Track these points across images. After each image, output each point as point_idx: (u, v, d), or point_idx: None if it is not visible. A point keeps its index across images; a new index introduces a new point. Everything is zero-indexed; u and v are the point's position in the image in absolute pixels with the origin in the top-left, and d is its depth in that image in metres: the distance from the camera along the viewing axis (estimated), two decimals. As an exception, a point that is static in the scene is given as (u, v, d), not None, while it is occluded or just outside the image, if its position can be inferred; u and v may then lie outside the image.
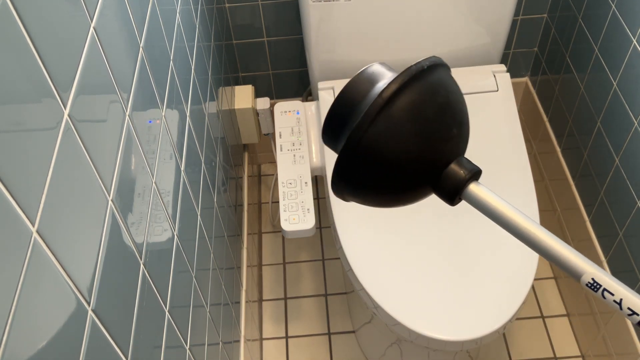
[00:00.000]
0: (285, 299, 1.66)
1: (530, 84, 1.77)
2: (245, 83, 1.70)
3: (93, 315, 0.48)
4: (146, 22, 0.72)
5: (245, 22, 1.56)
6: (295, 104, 1.43)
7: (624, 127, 1.25)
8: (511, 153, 1.28)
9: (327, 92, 1.39)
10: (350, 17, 1.32)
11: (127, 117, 0.60)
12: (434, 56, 0.46)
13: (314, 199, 1.79)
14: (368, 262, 1.15)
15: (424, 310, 1.09)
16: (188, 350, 0.78)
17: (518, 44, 1.68)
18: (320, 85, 1.40)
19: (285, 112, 1.42)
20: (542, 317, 1.59)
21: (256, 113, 1.54)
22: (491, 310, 1.08)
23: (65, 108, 0.46)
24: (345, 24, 1.34)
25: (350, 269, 1.15)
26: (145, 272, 0.62)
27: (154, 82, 0.72)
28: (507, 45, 1.68)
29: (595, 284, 0.38)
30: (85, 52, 0.51)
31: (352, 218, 1.21)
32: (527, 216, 0.43)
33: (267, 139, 1.72)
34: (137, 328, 0.58)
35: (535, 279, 1.61)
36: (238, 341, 1.22)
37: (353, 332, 1.58)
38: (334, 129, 0.47)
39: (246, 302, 1.35)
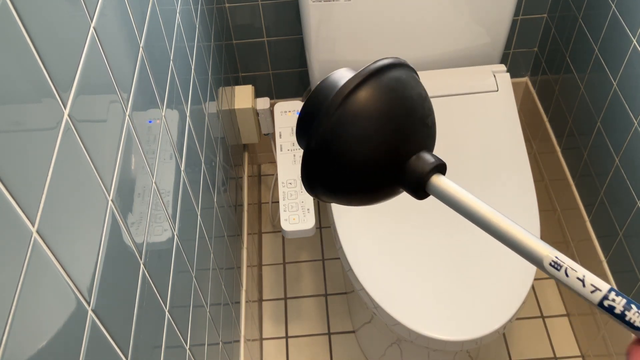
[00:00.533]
0: (285, 299, 1.66)
1: (530, 84, 1.77)
2: (245, 83, 1.70)
3: (93, 315, 0.48)
4: (146, 22, 0.72)
5: (245, 22, 1.56)
6: (295, 104, 1.43)
7: (624, 127, 1.25)
8: (511, 153, 1.28)
9: (327, 92, 1.39)
10: (350, 17, 1.32)
11: (127, 117, 0.60)
12: (395, 57, 0.47)
13: (314, 199, 1.79)
14: (368, 262, 1.15)
15: (424, 310, 1.09)
16: (188, 350, 0.78)
17: (518, 44, 1.68)
18: (320, 85, 1.40)
19: (285, 112, 1.42)
20: (542, 317, 1.59)
21: (256, 113, 1.54)
22: (491, 310, 1.08)
23: (65, 108, 0.46)
24: (345, 24, 1.34)
25: (350, 269, 1.15)
26: (145, 272, 0.62)
27: (154, 82, 0.72)
28: (507, 45, 1.68)
29: (558, 263, 0.38)
30: (85, 52, 0.51)
31: (352, 218, 1.21)
32: (490, 207, 0.43)
33: (267, 139, 1.72)
34: (137, 328, 0.58)
35: (535, 279, 1.61)
36: (238, 341, 1.22)
37: (353, 332, 1.58)
38: (304, 130, 0.48)
39: (246, 302, 1.35)
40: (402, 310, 1.08)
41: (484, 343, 1.08)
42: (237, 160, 1.49)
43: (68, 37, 0.48)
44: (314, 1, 1.29)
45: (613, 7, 1.26)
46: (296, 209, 1.25)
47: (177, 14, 0.91)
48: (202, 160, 0.99)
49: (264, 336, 1.59)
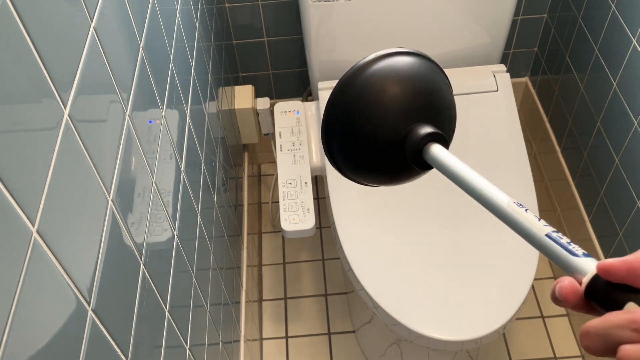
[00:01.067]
0: (285, 299, 1.66)
1: (530, 84, 1.77)
2: (245, 83, 1.70)
3: (93, 315, 0.48)
4: (146, 22, 0.72)
5: (245, 22, 1.56)
6: (295, 104, 1.43)
7: (624, 127, 1.25)
8: (511, 153, 1.28)
9: (327, 92, 1.39)
10: (350, 17, 1.32)
11: (127, 117, 0.60)
12: (416, 49, 0.52)
13: (314, 199, 1.79)
14: (368, 262, 1.15)
15: (424, 310, 1.09)
16: (188, 350, 0.78)
17: (518, 44, 1.68)
18: (320, 85, 1.40)
19: (285, 112, 1.42)
20: (542, 317, 1.59)
21: (256, 113, 1.54)
22: (491, 310, 1.08)
23: (65, 108, 0.46)
24: (345, 24, 1.34)
25: (350, 269, 1.15)
26: (145, 272, 0.62)
27: (154, 82, 0.72)
28: (507, 45, 1.68)
29: (521, 204, 0.42)
30: (85, 52, 0.51)
31: (352, 218, 1.21)
32: (485, 179, 0.45)
33: (267, 139, 1.72)
34: (137, 328, 0.58)
35: (535, 279, 1.61)
36: (238, 341, 1.22)
37: (353, 332, 1.58)
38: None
39: (246, 302, 1.35)
40: (402, 310, 1.08)
41: (484, 343, 1.08)
42: (237, 160, 1.49)
43: (68, 37, 0.48)
44: (314, 1, 1.29)
45: (613, 7, 1.26)
46: (296, 209, 1.25)
47: (177, 14, 0.91)
48: (202, 160, 0.99)
49: (264, 336, 1.59)
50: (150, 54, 0.72)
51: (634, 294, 0.33)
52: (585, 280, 0.35)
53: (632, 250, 1.24)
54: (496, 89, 1.38)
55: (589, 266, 0.36)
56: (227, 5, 1.51)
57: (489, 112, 1.35)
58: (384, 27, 1.36)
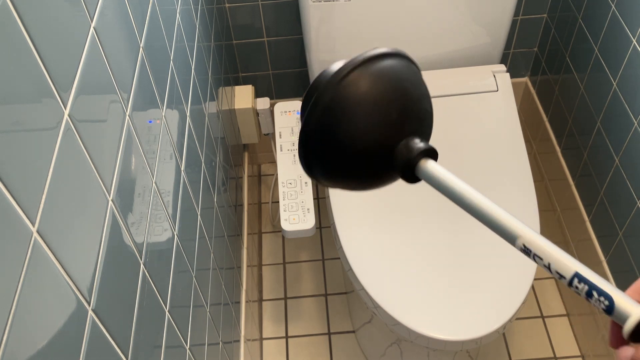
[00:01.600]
0: (285, 299, 1.66)
1: (530, 84, 1.77)
2: (245, 83, 1.70)
3: (93, 315, 0.48)
4: (146, 22, 0.72)
5: (245, 22, 1.56)
6: (295, 104, 1.43)
7: (624, 127, 1.25)
8: (511, 153, 1.28)
9: (327, 92, 1.39)
10: (350, 17, 1.32)
11: (127, 117, 0.60)
12: (394, 48, 0.50)
13: (314, 199, 1.79)
14: (368, 262, 1.15)
15: (424, 310, 1.09)
16: (188, 350, 0.78)
17: (518, 44, 1.68)
18: (320, 85, 1.40)
19: (285, 112, 1.42)
20: (542, 317, 1.59)
21: (256, 113, 1.54)
22: (491, 310, 1.08)
23: (65, 108, 0.46)
24: (345, 24, 1.34)
25: (350, 269, 1.15)
26: (145, 272, 0.62)
27: (154, 82, 0.72)
28: (507, 45, 1.68)
29: (527, 249, 0.40)
30: (85, 52, 0.51)
31: (352, 218, 1.21)
32: (477, 191, 0.44)
33: (267, 139, 1.72)
34: (137, 328, 0.58)
35: (535, 279, 1.61)
36: (238, 341, 1.22)
37: (353, 332, 1.58)
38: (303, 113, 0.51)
39: (246, 302, 1.35)
40: (402, 310, 1.08)
41: (484, 343, 1.08)
42: (237, 160, 1.49)
43: (68, 37, 0.48)
44: (314, 1, 1.29)
45: (613, 7, 1.26)
46: (296, 209, 1.25)
47: (177, 14, 0.91)
48: (202, 160, 0.99)
49: (264, 336, 1.59)
50: (150, 54, 0.72)
51: None
52: (630, 326, 0.36)
53: (632, 250, 1.24)
54: (496, 89, 1.38)
55: (629, 310, 0.37)
56: (227, 5, 1.51)
57: (489, 112, 1.35)
58: (383, 27, 1.36)
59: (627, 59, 1.22)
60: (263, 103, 1.54)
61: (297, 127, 1.39)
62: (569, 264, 0.39)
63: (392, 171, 0.47)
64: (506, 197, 1.22)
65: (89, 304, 0.48)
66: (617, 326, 0.37)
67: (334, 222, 1.21)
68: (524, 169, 1.25)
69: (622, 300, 0.37)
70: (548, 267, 0.39)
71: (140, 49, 0.68)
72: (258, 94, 1.73)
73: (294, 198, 1.27)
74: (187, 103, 0.91)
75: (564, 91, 1.54)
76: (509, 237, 0.41)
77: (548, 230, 1.66)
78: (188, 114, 0.91)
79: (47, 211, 0.41)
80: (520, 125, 1.33)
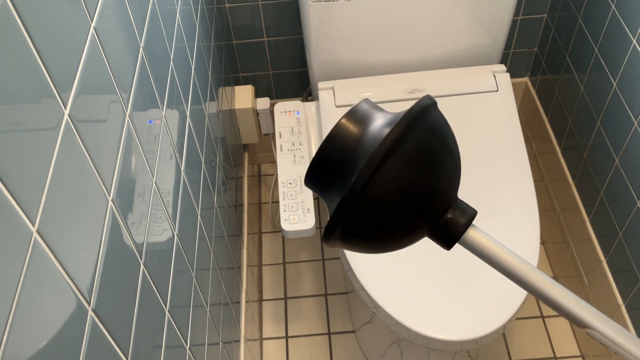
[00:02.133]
0: (285, 299, 1.66)
1: (530, 84, 1.77)
2: (245, 83, 1.70)
3: (93, 315, 0.48)
4: (146, 22, 0.72)
5: (245, 22, 1.56)
6: (295, 104, 1.43)
7: (624, 127, 1.25)
8: (511, 153, 1.28)
9: (327, 92, 1.39)
10: (350, 17, 1.32)
11: (127, 117, 0.60)
12: (425, 96, 0.46)
13: (314, 199, 1.79)
14: (368, 262, 1.15)
15: (424, 310, 1.09)
16: (188, 350, 0.78)
17: (518, 44, 1.68)
18: (320, 85, 1.40)
19: (285, 112, 1.42)
20: (542, 317, 1.59)
21: (256, 113, 1.54)
22: (491, 310, 1.08)
23: (65, 108, 0.46)
24: (345, 24, 1.34)
25: (350, 269, 1.15)
26: (145, 272, 0.62)
27: (154, 82, 0.72)
28: (507, 45, 1.68)
29: (594, 337, 0.40)
30: (85, 52, 0.51)
31: (352, 218, 1.20)
32: (524, 260, 0.43)
33: (267, 139, 1.72)
34: (137, 328, 0.58)
35: (535, 279, 1.61)
36: (238, 341, 1.22)
37: (353, 332, 1.58)
38: (325, 173, 0.46)
39: (246, 302, 1.35)
40: (402, 310, 1.08)
41: (484, 343, 1.08)
42: (237, 160, 1.49)
43: (68, 37, 0.48)
44: (314, 1, 1.29)
45: (613, 7, 1.26)
46: (296, 209, 1.25)
47: (177, 14, 0.91)
48: (202, 160, 0.99)
49: (264, 336, 1.59)
50: (150, 54, 0.72)
51: None
52: None
53: (632, 250, 1.24)
54: (496, 89, 1.38)
55: None
56: (227, 5, 1.51)
57: (489, 112, 1.35)
58: (384, 27, 1.36)
59: (627, 59, 1.22)
60: (263, 103, 1.54)
61: (297, 127, 1.39)
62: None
63: (425, 233, 0.45)
64: (506, 197, 1.22)
65: (89, 304, 0.48)
66: None
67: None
68: (524, 169, 1.25)
69: None
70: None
71: (140, 49, 0.68)
72: (258, 94, 1.73)
73: (294, 198, 1.27)
74: (187, 103, 0.91)
75: (564, 91, 1.54)
76: (575, 320, 0.40)
77: (548, 230, 1.66)
78: (188, 114, 0.91)
79: (47, 211, 0.41)
80: (520, 125, 1.33)
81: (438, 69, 1.43)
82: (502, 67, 1.41)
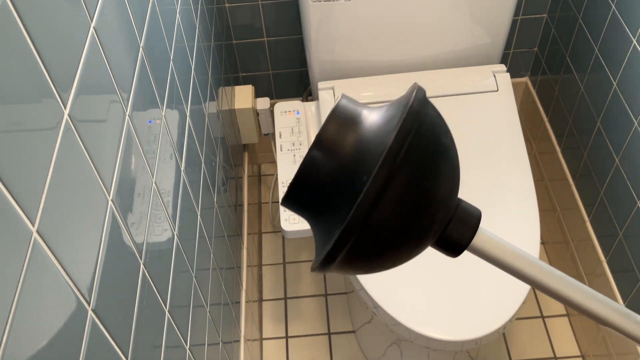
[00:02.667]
0: (285, 299, 1.66)
1: (530, 84, 1.77)
2: (245, 83, 1.70)
3: (93, 315, 0.48)
4: (146, 22, 0.72)
5: (245, 22, 1.56)
6: (295, 104, 1.43)
7: (624, 127, 1.25)
8: (511, 153, 1.28)
9: (327, 92, 1.39)
10: (350, 17, 1.32)
11: (127, 117, 0.60)
12: (416, 87, 0.40)
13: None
14: (368, 262, 1.15)
15: (424, 310, 1.09)
16: (188, 350, 0.78)
17: (518, 44, 1.68)
18: (320, 85, 1.40)
19: (285, 112, 1.42)
20: (542, 317, 1.59)
21: (256, 113, 1.54)
22: (491, 310, 1.08)
23: (65, 108, 0.46)
24: (345, 24, 1.34)
25: (350, 269, 1.14)
26: (145, 272, 0.62)
27: (154, 82, 0.72)
28: (507, 45, 1.68)
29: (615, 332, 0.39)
30: (85, 52, 0.51)
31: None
32: (534, 258, 0.41)
33: (267, 139, 1.72)
34: (137, 328, 0.58)
35: (535, 279, 1.61)
36: (238, 341, 1.22)
37: (353, 332, 1.58)
38: (313, 191, 0.40)
39: (246, 302, 1.35)
40: (402, 310, 1.08)
41: (484, 343, 1.08)
42: (237, 160, 1.49)
43: (68, 38, 0.48)
44: (314, 1, 1.29)
45: (613, 7, 1.26)
46: (296, 209, 1.25)
47: (177, 14, 0.91)
48: (202, 160, 0.99)
49: (264, 336, 1.59)
50: (150, 54, 0.72)
51: None
52: None
53: (632, 250, 1.24)
54: (496, 89, 1.38)
55: None
56: (227, 5, 1.51)
57: (489, 112, 1.35)
58: (384, 27, 1.36)
59: (627, 59, 1.22)
60: (263, 103, 1.54)
61: (297, 127, 1.39)
62: None
63: (429, 244, 0.42)
64: (506, 197, 1.22)
65: (89, 304, 0.48)
66: None
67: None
68: (524, 169, 1.25)
69: None
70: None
71: (140, 49, 0.68)
72: (258, 94, 1.73)
73: (294, 198, 1.27)
74: (187, 103, 0.91)
75: (564, 91, 1.54)
76: (596, 317, 0.39)
77: (548, 230, 1.66)
78: (188, 114, 0.91)
79: (47, 211, 0.41)
80: (520, 125, 1.33)
81: (438, 69, 1.43)
82: (502, 67, 1.41)
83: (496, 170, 1.25)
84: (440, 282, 1.12)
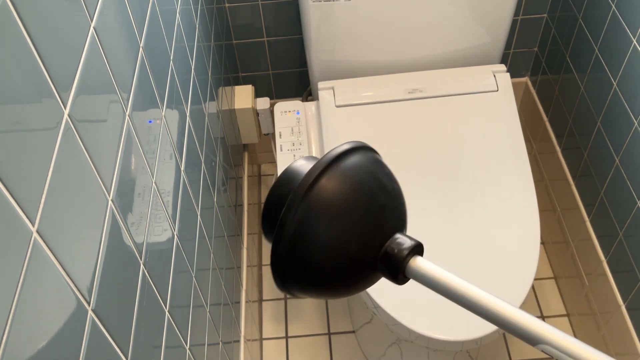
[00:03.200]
0: (285, 298, 1.66)
1: (530, 84, 1.77)
2: (245, 83, 1.70)
3: (93, 315, 0.48)
4: (146, 22, 0.72)
5: (245, 22, 1.56)
6: (295, 104, 1.43)
7: (624, 127, 1.25)
8: (511, 153, 1.28)
9: (327, 92, 1.39)
10: (350, 17, 1.32)
11: (127, 117, 0.60)
12: (352, 142, 0.45)
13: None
14: (368, 262, 1.15)
15: (424, 310, 1.09)
16: (188, 350, 0.78)
17: (518, 44, 1.68)
18: (320, 85, 1.40)
19: (285, 112, 1.42)
20: (542, 317, 1.59)
21: (256, 113, 1.54)
22: (491, 310, 1.08)
23: (65, 108, 0.46)
24: (345, 24, 1.34)
25: (350, 269, 1.14)
26: (145, 272, 0.62)
27: (154, 82, 0.72)
28: (507, 45, 1.68)
29: (546, 351, 0.39)
30: (85, 52, 0.51)
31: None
32: (475, 286, 0.43)
33: (267, 139, 1.72)
34: (137, 328, 0.58)
35: (535, 279, 1.61)
36: (238, 341, 1.22)
37: (353, 332, 1.58)
38: (271, 222, 0.46)
39: (246, 302, 1.35)
40: (402, 310, 1.08)
41: (484, 343, 1.08)
42: (237, 160, 1.49)
43: (68, 37, 0.48)
44: (314, 1, 1.29)
45: (613, 7, 1.26)
46: (296, 209, 1.25)
47: (177, 14, 0.91)
48: (202, 160, 0.99)
49: (264, 336, 1.59)
50: (150, 54, 0.72)
51: None
52: None
53: (632, 250, 1.24)
54: (496, 89, 1.38)
55: None
56: (227, 5, 1.51)
57: (489, 112, 1.35)
58: (384, 27, 1.36)
59: (627, 59, 1.22)
60: (263, 103, 1.54)
61: (297, 127, 1.39)
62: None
63: (375, 274, 0.44)
64: (506, 197, 1.22)
65: (89, 304, 0.48)
66: None
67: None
68: (524, 169, 1.25)
69: None
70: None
71: (140, 49, 0.68)
72: (258, 94, 1.73)
73: (294, 198, 1.27)
74: (187, 103, 0.91)
75: (564, 91, 1.54)
76: (529, 338, 0.40)
77: (548, 230, 1.66)
78: (188, 114, 0.91)
79: (47, 211, 0.41)
80: (520, 125, 1.33)
81: (438, 68, 1.43)
82: (502, 67, 1.41)
83: (496, 170, 1.25)
84: (440, 282, 1.12)
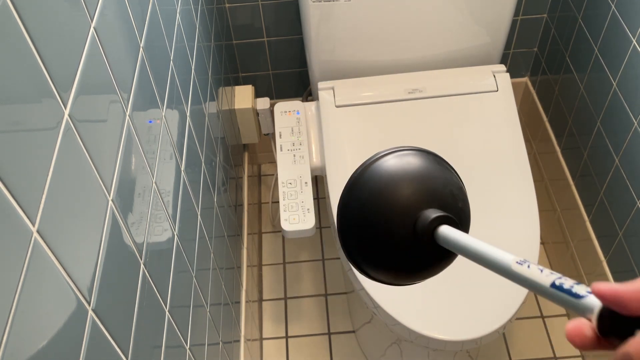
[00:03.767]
0: (285, 299, 1.66)
1: (530, 84, 1.77)
2: (245, 83, 1.70)
3: (93, 315, 0.48)
4: (146, 22, 0.72)
5: (245, 22, 1.56)
6: (295, 104, 1.43)
7: (624, 127, 1.25)
8: (511, 153, 1.28)
9: (327, 92, 1.39)
10: (350, 17, 1.32)
11: (127, 117, 0.60)
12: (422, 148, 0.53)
13: (314, 199, 1.79)
14: (368, 262, 1.15)
15: (424, 310, 1.09)
16: (188, 350, 0.78)
17: (518, 44, 1.68)
18: (320, 85, 1.40)
19: (285, 112, 1.42)
20: (542, 317, 1.59)
21: (256, 113, 1.54)
22: (491, 310, 1.08)
23: (65, 108, 0.46)
24: (345, 24, 1.34)
25: (351, 269, 1.15)
26: (145, 272, 0.62)
27: (154, 82, 0.72)
28: (507, 45, 1.68)
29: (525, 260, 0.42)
30: (85, 52, 0.51)
31: (352, 218, 1.20)
32: (490, 245, 0.44)
33: (267, 139, 1.72)
34: (137, 328, 0.58)
35: (535, 279, 1.61)
36: (238, 341, 1.22)
37: (353, 332, 1.58)
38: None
39: (246, 302, 1.35)
40: (402, 310, 1.08)
41: (484, 343, 1.08)
42: (237, 160, 1.49)
43: (68, 37, 0.48)
44: (314, 1, 1.29)
45: (613, 7, 1.26)
46: (296, 209, 1.25)
47: (177, 14, 0.91)
48: (202, 160, 0.99)
49: (264, 336, 1.59)
50: (150, 54, 0.72)
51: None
52: (594, 318, 0.34)
53: (632, 250, 1.24)
54: (496, 89, 1.38)
55: (595, 303, 0.35)
56: (227, 5, 1.51)
57: (489, 112, 1.35)
58: (384, 27, 1.36)
59: (627, 59, 1.22)
60: (263, 103, 1.54)
61: (297, 127, 1.39)
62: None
63: (425, 252, 0.49)
64: (506, 197, 1.22)
65: (89, 304, 0.48)
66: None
67: (334, 222, 1.21)
68: (524, 169, 1.25)
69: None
70: (541, 270, 0.39)
71: (140, 49, 0.68)
72: (258, 94, 1.73)
73: (294, 198, 1.27)
74: (187, 103, 0.91)
75: (564, 91, 1.54)
76: (534, 285, 0.41)
77: (548, 230, 1.66)
78: (188, 114, 0.91)
79: (47, 211, 0.41)
80: (520, 125, 1.33)
81: (438, 69, 1.43)
82: (502, 67, 1.41)
83: (496, 171, 1.25)
84: (440, 282, 1.12)
